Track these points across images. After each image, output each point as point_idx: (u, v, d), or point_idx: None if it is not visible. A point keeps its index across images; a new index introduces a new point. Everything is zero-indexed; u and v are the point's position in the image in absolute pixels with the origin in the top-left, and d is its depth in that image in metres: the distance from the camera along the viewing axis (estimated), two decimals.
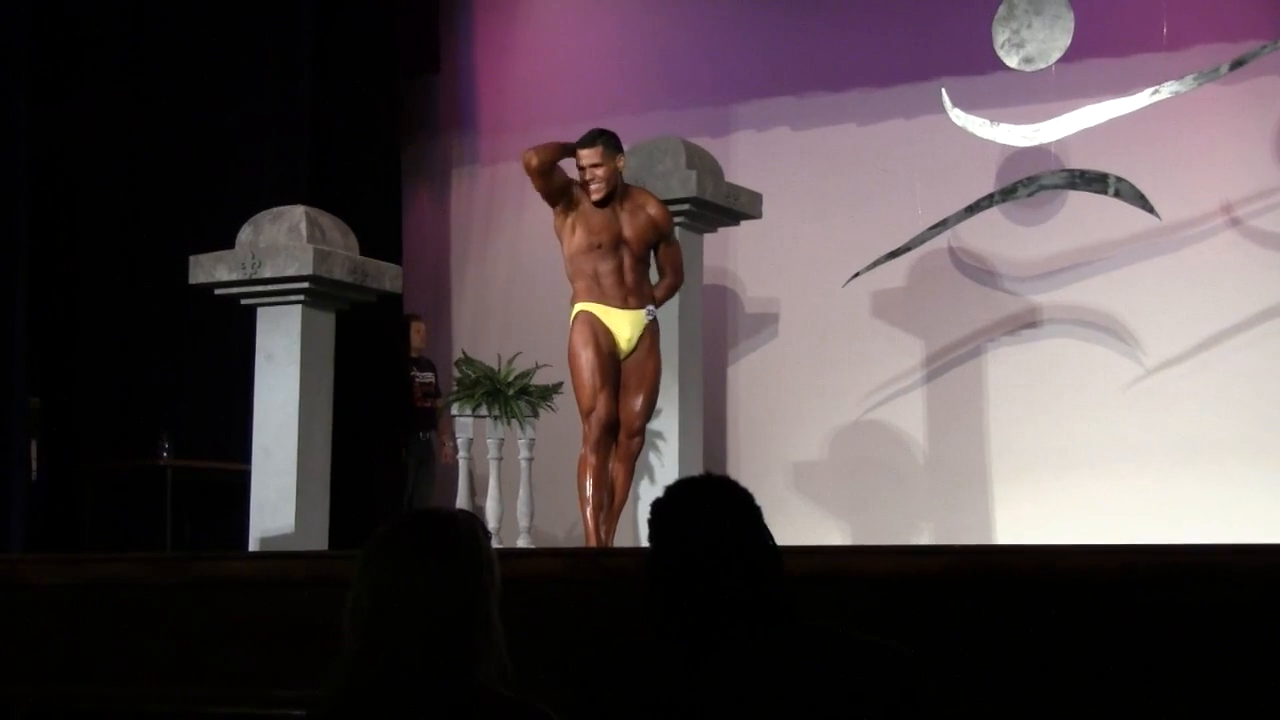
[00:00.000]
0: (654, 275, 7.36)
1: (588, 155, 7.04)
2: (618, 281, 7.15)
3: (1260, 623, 3.95)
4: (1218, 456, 8.79)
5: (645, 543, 2.80)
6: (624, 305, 7.17)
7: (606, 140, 7.08)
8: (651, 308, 7.22)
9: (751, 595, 2.65)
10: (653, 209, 7.25)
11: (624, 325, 7.17)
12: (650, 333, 7.21)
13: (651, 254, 7.31)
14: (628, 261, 7.16)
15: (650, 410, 7.31)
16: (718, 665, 2.61)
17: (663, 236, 7.32)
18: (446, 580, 2.66)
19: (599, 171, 7.04)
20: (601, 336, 7.11)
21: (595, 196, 7.07)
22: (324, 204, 8.10)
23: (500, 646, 2.70)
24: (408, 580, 2.65)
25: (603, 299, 7.19)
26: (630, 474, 7.28)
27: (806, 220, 9.93)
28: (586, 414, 7.11)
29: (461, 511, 2.91)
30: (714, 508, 2.74)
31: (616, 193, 7.13)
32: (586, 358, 7.11)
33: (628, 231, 7.17)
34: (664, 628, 2.68)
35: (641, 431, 7.27)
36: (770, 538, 2.76)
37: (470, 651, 2.65)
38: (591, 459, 7.13)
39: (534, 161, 6.98)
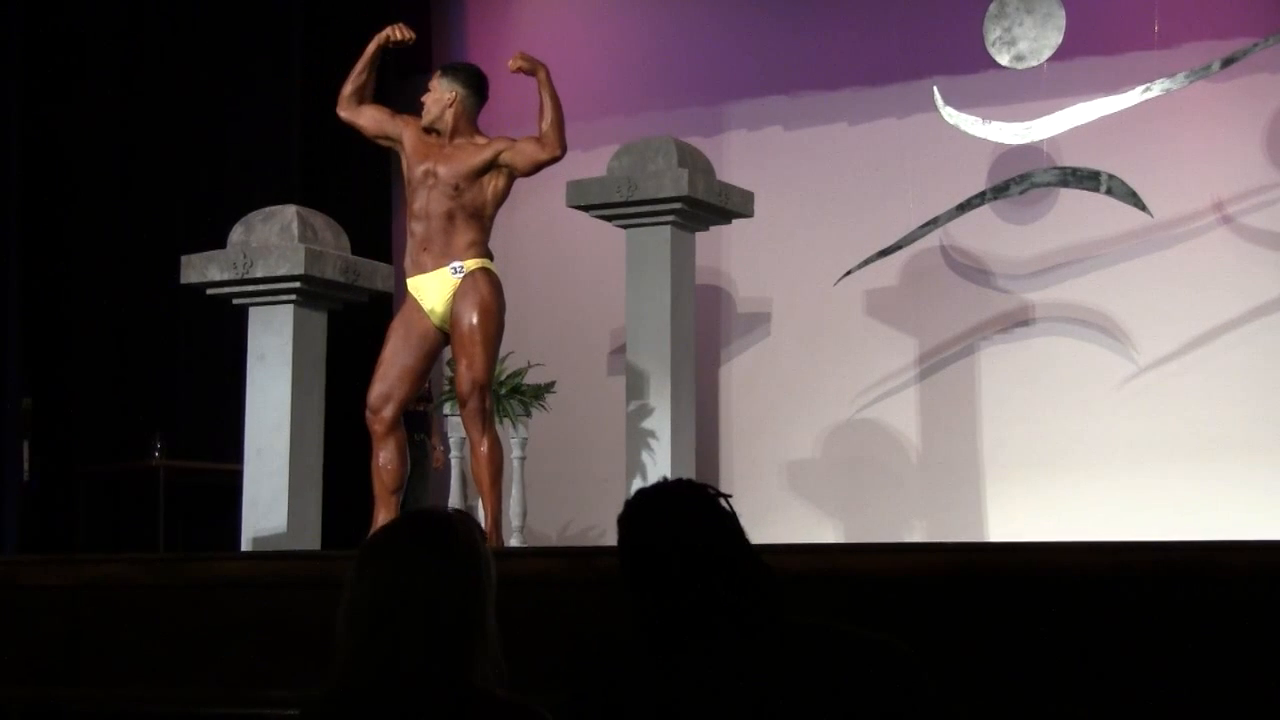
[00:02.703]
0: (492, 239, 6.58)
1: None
2: (424, 233, 6.50)
3: (1254, 619, 3.95)
4: (1211, 454, 8.79)
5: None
6: (424, 268, 6.51)
7: (449, 69, 6.69)
8: (458, 264, 6.46)
9: (736, 594, 2.64)
10: (497, 143, 6.50)
11: (427, 293, 6.53)
12: (462, 291, 6.47)
13: (485, 196, 6.50)
14: (436, 205, 6.48)
15: (478, 371, 6.46)
16: (710, 664, 2.60)
17: (497, 152, 6.46)
18: (443, 580, 2.65)
19: (425, 98, 6.59)
20: (414, 320, 6.55)
21: (421, 121, 6.57)
22: (315, 203, 8.10)
23: (495, 647, 2.70)
24: (405, 580, 2.64)
25: (412, 266, 6.53)
26: (482, 438, 6.54)
27: (799, 219, 9.93)
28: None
29: (458, 512, 2.91)
30: (686, 511, 2.72)
31: (452, 128, 6.53)
32: (387, 348, 6.61)
33: (443, 167, 6.47)
34: (650, 628, 2.68)
35: (473, 395, 6.48)
36: (742, 533, 2.74)
37: (467, 652, 2.64)
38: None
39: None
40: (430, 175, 6.51)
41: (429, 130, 6.60)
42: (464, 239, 6.50)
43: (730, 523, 2.73)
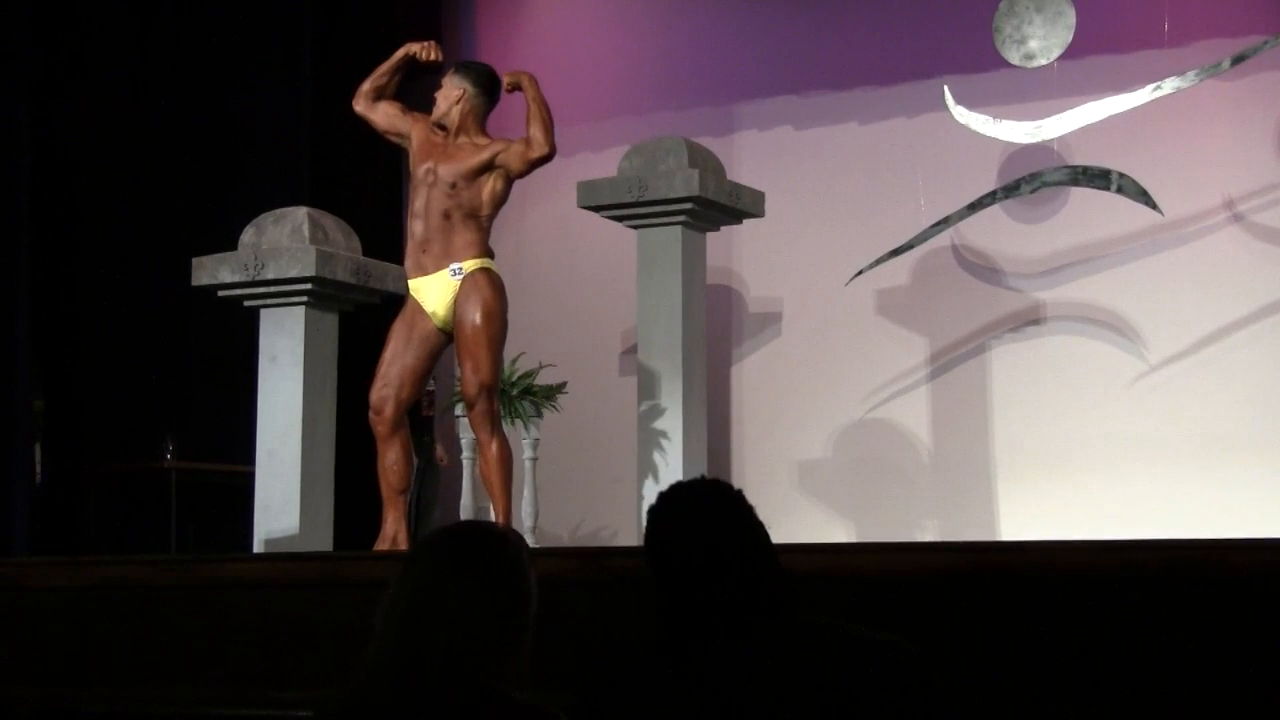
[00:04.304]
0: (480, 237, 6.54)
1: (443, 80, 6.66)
2: (423, 233, 6.48)
3: (1263, 618, 3.94)
4: (1222, 452, 8.79)
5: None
6: (424, 270, 6.50)
7: (461, 67, 6.71)
8: (457, 265, 6.44)
9: (748, 593, 2.64)
10: (495, 145, 6.53)
11: (428, 295, 6.51)
12: (464, 293, 6.45)
13: (482, 197, 6.51)
14: (434, 204, 6.47)
15: (484, 373, 6.44)
16: (720, 664, 2.60)
17: (495, 153, 6.48)
18: (480, 592, 2.66)
19: (437, 94, 6.61)
20: (415, 321, 6.54)
21: (432, 116, 6.61)
22: (326, 204, 8.10)
23: (525, 669, 2.70)
24: (443, 585, 2.66)
25: (413, 268, 6.53)
26: (491, 440, 6.51)
27: (809, 219, 9.93)
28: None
29: (513, 532, 2.92)
30: (708, 510, 2.73)
31: (460, 127, 6.57)
32: (388, 348, 6.58)
33: (443, 166, 6.49)
34: (665, 625, 2.69)
35: (480, 398, 6.45)
36: (764, 534, 2.75)
37: (490, 663, 2.64)
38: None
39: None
40: (431, 174, 6.51)
41: (439, 127, 6.61)
42: (461, 239, 6.48)
43: (747, 521, 2.74)
